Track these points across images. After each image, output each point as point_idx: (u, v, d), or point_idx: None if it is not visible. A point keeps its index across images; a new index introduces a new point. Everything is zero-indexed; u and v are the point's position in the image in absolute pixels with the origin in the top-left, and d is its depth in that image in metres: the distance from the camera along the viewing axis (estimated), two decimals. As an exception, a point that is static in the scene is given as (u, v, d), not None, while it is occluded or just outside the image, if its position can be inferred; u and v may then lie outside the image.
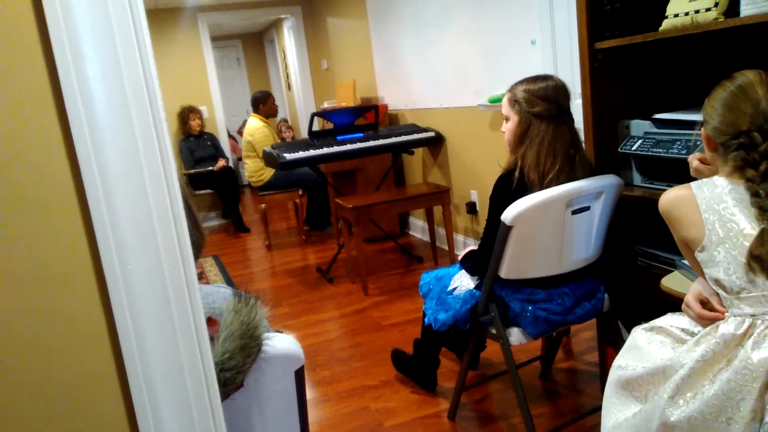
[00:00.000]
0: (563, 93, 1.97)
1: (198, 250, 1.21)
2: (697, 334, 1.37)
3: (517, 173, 1.94)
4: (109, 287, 0.77)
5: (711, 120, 1.38)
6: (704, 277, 1.44)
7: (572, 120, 2.00)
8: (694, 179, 1.52)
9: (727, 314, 1.32)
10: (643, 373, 1.39)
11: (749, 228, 1.28)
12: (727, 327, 1.28)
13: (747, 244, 1.27)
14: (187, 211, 1.12)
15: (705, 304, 1.40)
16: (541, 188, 1.91)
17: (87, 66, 0.72)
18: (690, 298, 1.43)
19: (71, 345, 0.78)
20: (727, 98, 1.36)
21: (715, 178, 1.39)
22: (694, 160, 1.62)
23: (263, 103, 5.48)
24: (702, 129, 1.43)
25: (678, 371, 1.30)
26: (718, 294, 1.37)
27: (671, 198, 1.43)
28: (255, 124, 5.39)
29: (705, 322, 1.38)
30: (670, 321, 1.50)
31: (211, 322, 1.08)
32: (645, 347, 1.45)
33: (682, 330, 1.44)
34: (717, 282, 1.33)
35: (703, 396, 1.24)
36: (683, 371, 1.28)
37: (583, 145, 2.07)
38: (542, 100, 1.94)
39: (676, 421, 1.27)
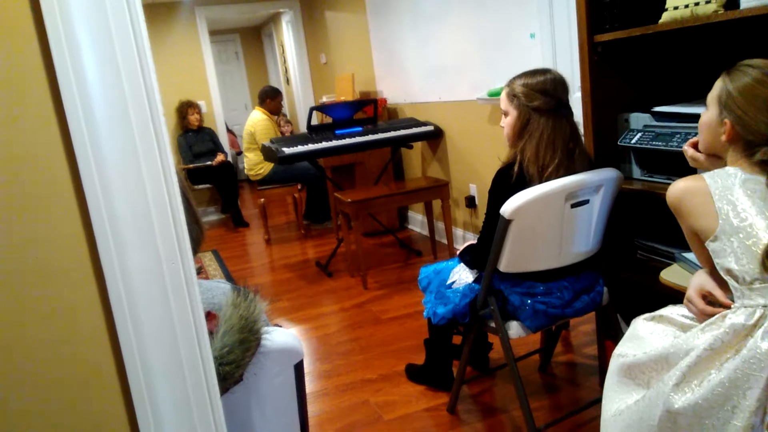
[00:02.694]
0: (562, 86, 1.97)
1: (197, 244, 1.21)
2: (727, 304, 1.36)
3: (516, 167, 1.94)
4: (108, 282, 0.76)
5: (741, 113, 1.35)
6: (708, 268, 1.44)
7: (571, 113, 1.99)
8: (694, 171, 1.52)
9: (736, 305, 1.31)
10: (646, 360, 1.38)
11: (762, 218, 1.28)
12: (737, 317, 1.27)
13: (762, 234, 1.27)
14: (186, 205, 1.12)
15: (706, 297, 1.40)
16: (540, 182, 1.90)
17: (84, 60, 0.71)
18: (692, 293, 1.42)
19: (70, 340, 0.78)
20: (755, 89, 1.34)
21: (728, 168, 1.38)
22: (689, 149, 1.60)
23: (271, 99, 5.48)
24: (725, 120, 1.39)
25: (683, 359, 1.29)
26: (720, 286, 1.37)
27: (681, 189, 1.41)
28: (258, 116, 5.38)
29: (708, 318, 1.37)
30: (672, 310, 1.49)
31: (210, 316, 1.08)
32: (647, 337, 1.45)
33: (684, 316, 1.44)
34: (728, 272, 1.32)
35: (709, 383, 1.23)
36: (689, 359, 1.27)
37: (583, 138, 2.06)
38: (541, 93, 1.93)
39: (680, 408, 1.25)
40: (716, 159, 1.49)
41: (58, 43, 0.71)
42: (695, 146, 1.58)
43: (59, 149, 0.74)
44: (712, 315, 1.35)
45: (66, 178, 0.75)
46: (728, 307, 1.35)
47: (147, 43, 0.75)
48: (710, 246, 1.35)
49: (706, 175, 1.39)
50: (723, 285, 1.39)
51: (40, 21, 0.71)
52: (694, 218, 1.39)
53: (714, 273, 1.42)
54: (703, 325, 1.33)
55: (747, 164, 1.36)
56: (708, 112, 1.46)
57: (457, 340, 2.49)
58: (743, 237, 1.29)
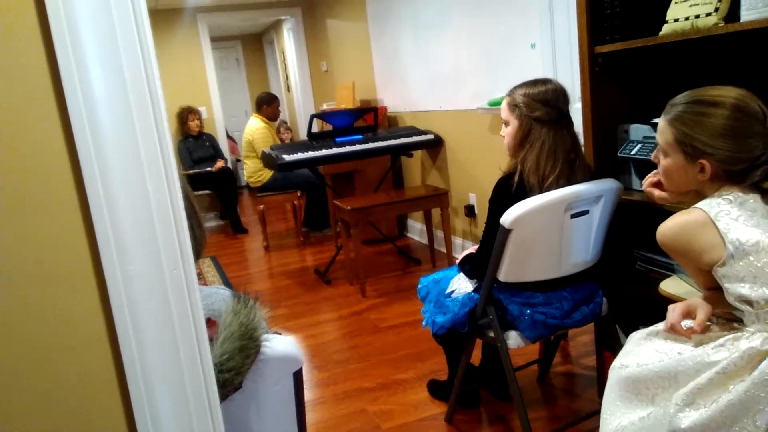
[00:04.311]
0: (563, 97, 1.97)
1: (201, 248, 1.21)
2: (695, 331, 1.35)
3: (516, 177, 1.94)
4: (109, 288, 0.76)
5: (716, 152, 1.33)
6: (705, 290, 1.42)
7: (572, 124, 2.00)
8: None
9: (750, 329, 1.27)
10: (652, 376, 1.35)
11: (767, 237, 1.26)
12: (753, 342, 1.23)
13: None
14: (190, 210, 1.12)
15: (690, 315, 1.38)
16: (541, 192, 1.91)
17: (89, 67, 0.72)
18: (679, 306, 1.40)
19: (71, 346, 0.77)
20: (731, 126, 1.32)
21: (720, 192, 1.35)
22: (654, 191, 1.55)
23: (267, 105, 5.48)
24: (702, 161, 1.35)
25: (693, 378, 1.27)
26: (707, 311, 1.35)
27: (677, 227, 1.35)
28: (255, 124, 5.39)
29: (672, 331, 1.38)
30: None
31: (210, 323, 1.08)
32: (649, 351, 1.42)
33: (687, 329, 1.42)
34: (741, 297, 1.28)
35: (718, 404, 1.21)
36: (700, 380, 1.25)
37: (583, 149, 2.07)
38: (542, 104, 1.94)
39: (687, 427, 1.23)
40: (688, 192, 1.46)
41: (63, 50, 0.71)
42: (657, 185, 1.54)
43: (63, 155, 0.74)
44: (677, 334, 1.36)
45: (70, 183, 0.75)
46: (688, 336, 1.34)
47: (152, 50, 0.76)
48: (719, 271, 1.30)
49: (701, 205, 1.34)
50: (722, 304, 1.38)
51: (47, 28, 0.71)
52: (697, 253, 1.33)
53: (712, 296, 1.40)
54: (713, 344, 1.30)
55: (737, 189, 1.34)
56: (669, 159, 1.42)
57: (475, 361, 2.45)
58: (753, 259, 1.25)
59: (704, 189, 1.40)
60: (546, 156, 1.92)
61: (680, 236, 1.35)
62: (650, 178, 1.56)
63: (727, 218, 1.30)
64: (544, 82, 1.99)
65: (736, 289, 1.29)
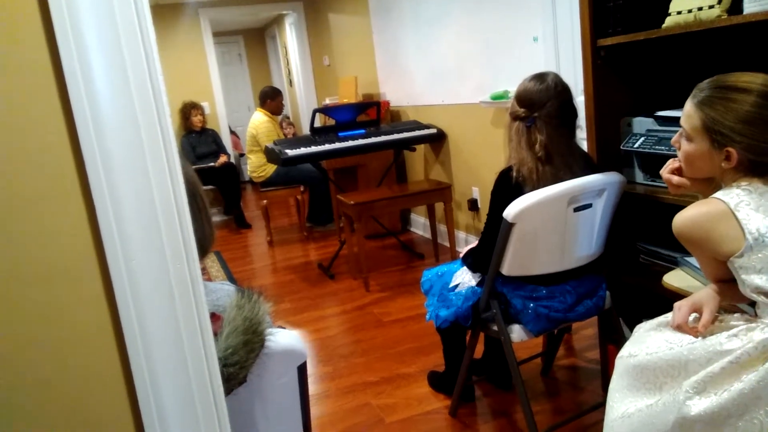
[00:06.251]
0: (552, 92, 1.93)
1: (210, 244, 1.21)
2: (700, 331, 1.35)
3: (515, 171, 1.95)
4: (114, 282, 0.77)
5: (743, 139, 1.31)
6: (714, 283, 1.41)
7: (572, 117, 1.98)
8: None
9: (766, 320, 1.26)
10: (662, 364, 1.34)
11: None
12: (766, 334, 1.22)
13: None
14: (200, 206, 1.13)
15: (697, 312, 1.38)
16: (535, 186, 1.90)
17: (91, 60, 0.72)
18: (685, 304, 1.39)
19: (76, 340, 0.78)
20: (758, 114, 1.29)
21: (740, 183, 1.34)
22: (673, 177, 1.52)
23: (271, 99, 5.48)
24: (729, 149, 1.33)
25: (704, 367, 1.25)
26: (713, 308, 1.34)
27: (695, 216, 1.33)
28: (259, 118, 5.39)
29: (679, 330, 1.36)
30: None
31: (214, 317, 1.09)
32: (656, 341, 1.41)
33: (695, 319, 1.40)
34: (758, 289, 1.27)
35: (729, 393, 1.20)
36: (711, 369, 1.23)
37: (583, 142, 2.07)
38: (520, 102, 1.97)
39: (696, 415, 1.22)
40: (706, 181, 1.44)
41: (66, 43, 0.71)
42: (675, 172, 1.51)
43: (66, 149, 0.75)
44: (684, 333, 1.34)
45: (73, 177, 0.75)
46: (695, 335, 1.32)
47: (154, 43, 0.76)
48: (736, 262, 1.28)
49: (719, 195, 1.32)
50: (729, 297, 1.37)
51: (48, 21, 0.71)
52: (715, 243, 1.31)
53: (720, 289, 1.39)
54: (727, 333, 1.28)
55: (759, 181, 1.32)
56: (693, 145, 1.40)
57: (477, 354, 2.46)
58: None
59: (724, 178, 1.38)
60: (525, 151, 1.93)
61: (699, 226, 1.33)
62: (670, 164, 1.53)
63: (747, 209, 1.28)
64: (539, 77, 1.97)
65: (753, 280, 1.27)
